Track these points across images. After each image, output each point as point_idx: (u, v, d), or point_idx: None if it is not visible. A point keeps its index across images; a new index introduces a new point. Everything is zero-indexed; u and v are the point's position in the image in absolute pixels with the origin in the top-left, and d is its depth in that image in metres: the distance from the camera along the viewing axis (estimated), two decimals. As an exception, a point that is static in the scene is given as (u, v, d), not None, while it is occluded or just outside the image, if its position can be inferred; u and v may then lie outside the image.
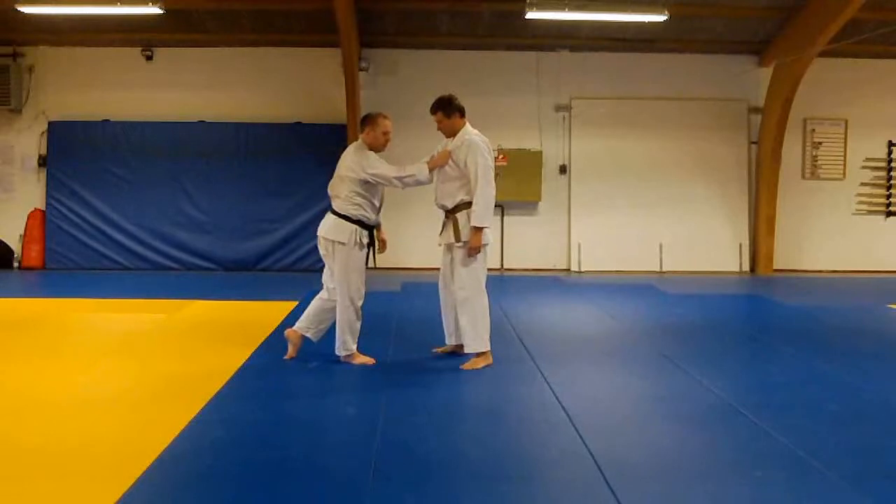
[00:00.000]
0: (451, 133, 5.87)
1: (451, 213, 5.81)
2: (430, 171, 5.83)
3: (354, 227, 5.69)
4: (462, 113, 5.87)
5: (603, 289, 10.86)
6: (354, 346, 5.78)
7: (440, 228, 5.98)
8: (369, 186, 5.73)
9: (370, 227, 5.78)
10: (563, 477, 3.69)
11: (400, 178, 5.77)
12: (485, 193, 5.67)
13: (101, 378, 5.51)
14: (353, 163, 5.73)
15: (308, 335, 5.88)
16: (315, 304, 5.90)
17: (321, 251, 5.86)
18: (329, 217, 5.80)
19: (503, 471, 3.72)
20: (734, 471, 3.74)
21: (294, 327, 5.93)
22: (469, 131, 5.83)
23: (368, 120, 5.87)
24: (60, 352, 6.31)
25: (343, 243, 5.67)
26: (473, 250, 5.69)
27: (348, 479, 3.58)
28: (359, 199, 5.70)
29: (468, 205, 5.72)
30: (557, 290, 10.86)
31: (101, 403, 4.82)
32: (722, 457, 3.99)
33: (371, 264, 5.90)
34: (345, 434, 4.38)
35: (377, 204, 5.83)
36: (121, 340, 6.81)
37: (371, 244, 5.84)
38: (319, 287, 5.94)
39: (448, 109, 5.83)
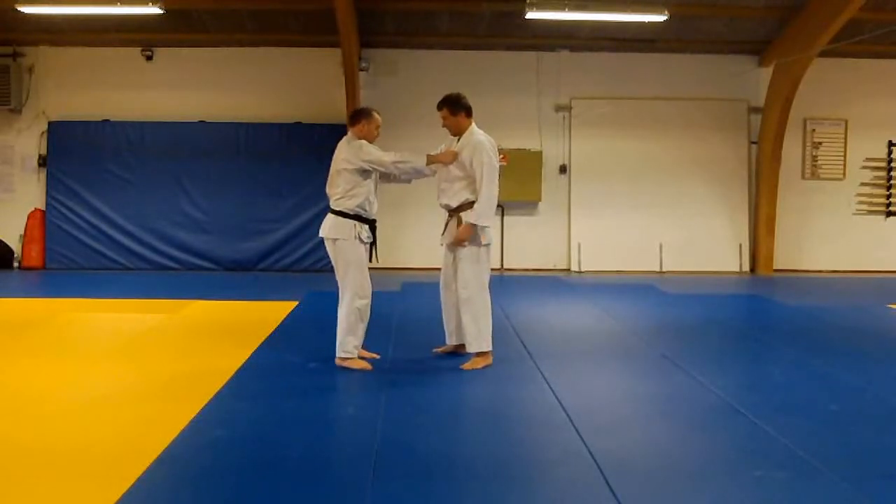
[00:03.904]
0: (456, 131, 5.88)
1: (454, 213, 5.82)
2: (430, 164, 5.82)
3: (353, 222, 5.69)
4: (468, 112, 5.87)
5: (603, 289, 10.86)
6: (356, 352, 5.72)
7: (442, 229, 5.99)
8: (367, 175, 5.73)
9: (369, 222, 5.78)
10: (563, 477, 3.68)
11: (395, 163, 5.75)
12: (488, 193, 5.68)
13: (101, 378, 5.50)
14: (348, 153, 5.74)
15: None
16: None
17: (329, 254, 5.87)
18: (328, 217, 5.81)
19: (503, 471, 3.72)
20: (734, 471, 3.74)
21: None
22: (475, 131, 5.84)
23: (363, 114, 5.90)
24: (60, 352, 6.31)
25: (344, 239, 5.67)
26: (459, 241, 5.71)
27: (348, 479, 3.58)
28: (356, 191, 5.69)
29: (472, 204, 5.72)
30: (557, 290, 10.85)
31: (101, 403, 4.82)
32: (722, 457, 3.99)
33: (377, 262, 5.91)
34: (345, 434, 4.39)
35: (374, 197, 5.83)
36: (121, 340, 6.81)
37: (373, 241, 5.84)
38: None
39: (454, 107, 5.83)
